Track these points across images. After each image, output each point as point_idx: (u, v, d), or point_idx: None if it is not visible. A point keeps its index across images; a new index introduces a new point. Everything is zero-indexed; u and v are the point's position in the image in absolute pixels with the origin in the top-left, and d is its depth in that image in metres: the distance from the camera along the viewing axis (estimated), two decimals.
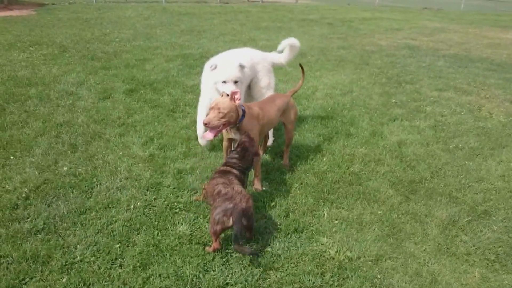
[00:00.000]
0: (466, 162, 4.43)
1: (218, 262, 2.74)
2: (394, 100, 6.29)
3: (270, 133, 4.44)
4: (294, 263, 2.80)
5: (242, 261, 2.77)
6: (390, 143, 4.74)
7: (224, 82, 3.70)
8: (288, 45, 4.54)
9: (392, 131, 5.07)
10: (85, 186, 3.43)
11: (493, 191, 3.91)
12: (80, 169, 3.68)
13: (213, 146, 4.31)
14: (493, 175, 4.20)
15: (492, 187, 3.96)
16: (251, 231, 2.93)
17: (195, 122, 4.90)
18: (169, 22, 12.33)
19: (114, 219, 3.07)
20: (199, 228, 3.05)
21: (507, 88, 7.55)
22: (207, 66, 3.93)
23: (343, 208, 3.47)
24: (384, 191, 3.74)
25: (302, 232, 3.12)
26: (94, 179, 3.55)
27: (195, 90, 6.05)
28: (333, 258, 2.87)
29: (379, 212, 3.44)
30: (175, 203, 3.32)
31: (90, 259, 2.67)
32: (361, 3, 26.69)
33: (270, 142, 4.46)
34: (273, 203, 3.41)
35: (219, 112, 3.13)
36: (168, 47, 8.87)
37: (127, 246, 2.82)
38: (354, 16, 17.56)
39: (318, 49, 9.81)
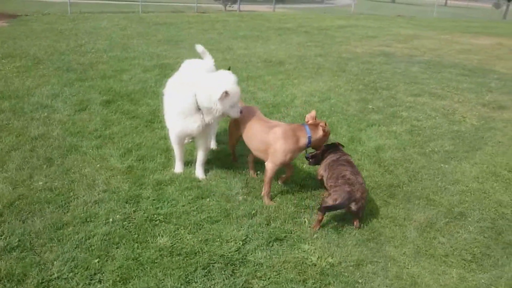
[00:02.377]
0: (442, 165, 4.53)
1: (200, 273, 2.71)
2: (371, 106, 6.39)
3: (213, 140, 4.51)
4: (277, 271, 2.80)
5: (224, 271, 2.75)
6: (368, 148, 4.80)
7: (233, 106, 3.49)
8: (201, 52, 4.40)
9: (370, 137, 5.15)
10: (61, 201, 3.35)
11: (468, 192, 4.00)
12: (56, 183, 3.60)
13: (193, 157, 4.29)
14: (468, 177, 4.31)
15: (467, 188, 4.06)
16: (358, 217, 3.30)
17: None
18: (146, 32, 12.25)
19: (92, 233, 3.00)
20: (180, 239, 3.02)
21: (478, 92, 7.78)
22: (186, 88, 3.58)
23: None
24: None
25: (284, 240, 3.12)
26: (71, 193, 3.47)
27: None
28: (315, 265, 2.88)
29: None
30: (155, 215, 3.28)
31: (67, 275, 2.61)
32: (337, 12, 27.16)
33: (214, 146, 4.53)
34: (254, 212, 3.41)
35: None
36: (145, 57, 8.80)
37: (106, 260, 2.76)
38: (330, 24, 17.84)
39: (295, 57, 9.90)
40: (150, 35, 11.70)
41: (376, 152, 4.71)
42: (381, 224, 3.40)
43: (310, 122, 3.49)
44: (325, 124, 3.43)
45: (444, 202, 3.78)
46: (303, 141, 3.42)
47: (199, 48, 4.38)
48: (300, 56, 10.08)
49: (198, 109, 3.53)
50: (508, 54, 13.09)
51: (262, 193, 3.61)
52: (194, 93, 3.47)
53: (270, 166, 3.47)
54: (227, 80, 3.39)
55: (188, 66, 4.14)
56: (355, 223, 3.31)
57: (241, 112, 3.58)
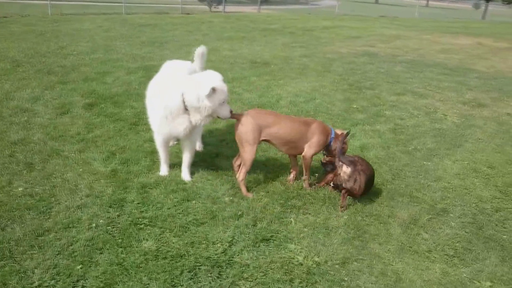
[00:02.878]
0: (425, 162, 4.59)
1: (186, 276, 2.69)
2: (355, 106, 6.45)
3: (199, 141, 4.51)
4: (263, 272, 2.80)
5: (210, 273, 2.74)
6: (353, 147, 4.84)
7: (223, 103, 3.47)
8: (198, 54, 4.38)
9: (354, 136, 5.19)
10: (42, 207, 3.29)
11: (450, 189, 4.07)
12: (37, 189, 3.54)
13: (178, 159, 4.27)
14: (450, 173, 4.38)
15: (449, 185, 4.12)
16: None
17: None
18: (130, 33, 12.16)
19: (75, 239, 2.96)
20: (165, 243, 3.00)
21: (459, 90, 7.92)
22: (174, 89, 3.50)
23: (310, 213, 3.51)
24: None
25: (270, 240, 3.12)
26: (53, 199, 3.42)
27: None
28: (301, 264, 2.89)
29: (345, 216, 3.49)
30: (140, 219, 3.25)
31: (49, 283, 2.56)
32: (321, 13, 27.34)
33: (199, 147, 4.55)
34: (240, 213, 3.40)
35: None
36: (129, 59, 8.73)
37: (90, 266, 2.72)
38: (315, 25, 17.95)
39: (281, 58, 9.94)
40: (134, 37, 11.62)
41: (361, 151, 4.75)
42: (366, 222, 3.43)
43: (337, 130, 3.90)
44: (346, 137, 3.80)
45: (427, 198, 3.83)
46: (328, 139, 3.83)
47: (201, 49, 4.29)
48: (285, 57, 10.12)
49: (186, 109, 3.49)
50: (487, 54, 13.35)
51: (303, 178, 3.94)
52: (181, 93, 3.43)
53: (308, 155, 3.79)
54: (214, 77, 3.41)
55: (170, 67, 4.11)
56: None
57: (231, 111, 3.56)
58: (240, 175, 3.72)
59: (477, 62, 11.58)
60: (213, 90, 3.33)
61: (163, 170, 4.00)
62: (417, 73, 9.31)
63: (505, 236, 3.38)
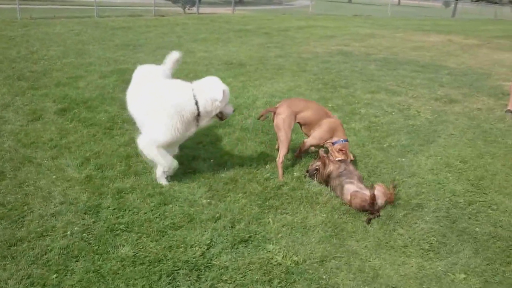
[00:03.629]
0: (399, 159, 4.68)
1: (164, 281, 2.67)
2: (331, 105, 6.52)
3: None
4: (242, 273, 2.80)
5: (189, 277, 2.72)
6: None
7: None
8: (172, 59, 4.40)
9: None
10: (15, 216, 3.21)
11: (424, 184, 4.16)
12: (8, 198, 3.44)
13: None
14: (423, 169, 4.48)
15: (423, 180, 4.21)
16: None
17: (133, 139, 4.78)
18: (103, 37, 11.96)
19: (49, 248, 2.89)
20: (142, 248, 2.97)
21: (431, 87, 8.11)
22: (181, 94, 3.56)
23: (287, 213, 3.53)
24: (326, 193, 3.85)
25: (248, 241, 3.13)
26: (25, 207, 3.33)
27: None
28: (280, 264, 2.90)
29: (323, 214, 3.53)
30: (116, 225, 3.20)
31: None
32: (296, 13, 27.52)
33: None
34: (218, 215, 3.39)
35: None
36: (102, 63, 8.59)
37: (65, 275, 2.67)
38: (290, 25, 18.05)
39: (256, 59, 9.95)
40: (107, 40, 11.43)
41: None
42: (343, 220, 3.47)
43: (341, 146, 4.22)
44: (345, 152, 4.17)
45: (402, 194, 3.91)
46: (331, 138, 4.25)
47: (174, 55, 4.21)
48: (261, 57, 10.14)
49: (198, 115, 3.59)
50: (458, 50, 13.71)
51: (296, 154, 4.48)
52: (194, 100, 3.51)
53: (307, 143, 4.36)
54: (218, 82, 3.62)
55: (144, 73, 4.06)
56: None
57: (234, 110, 3.97)
58: (280, 158, 4.11)
59: (448, 59, 11.87)
60: (223, 92, 3.54)
61: (164, 180, 3.88)
62: (391, 71, 9.48)
63: (477, 229, 3.48)
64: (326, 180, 3.93)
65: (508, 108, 6.78)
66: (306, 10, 28.71)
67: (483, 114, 6.65)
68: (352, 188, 3.64)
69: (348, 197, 3.60)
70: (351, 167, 3.96)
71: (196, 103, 3.51)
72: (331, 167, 3.93)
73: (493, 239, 3.35)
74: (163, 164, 3.73)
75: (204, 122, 3.69)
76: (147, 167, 4.10)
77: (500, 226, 3.55)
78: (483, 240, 3.34)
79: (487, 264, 3.05)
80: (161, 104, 3.55)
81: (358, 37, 15.40)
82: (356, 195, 3.55)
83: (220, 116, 3.78)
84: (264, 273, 2.80)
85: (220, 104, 3.57)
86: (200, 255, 2.92)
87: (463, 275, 2.92)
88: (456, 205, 3.83)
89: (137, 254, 2.89)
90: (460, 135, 5.60)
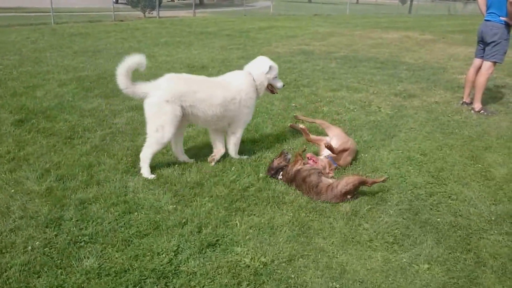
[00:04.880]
0: (362, 154, 4.78)
1: None
2: (294, 104, 6.59)
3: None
4: (211, 278, 2.79)
5: (156, 285, 2.68)
6: (293, 145, 4.94)
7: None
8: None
9: (294, 134, 5.30)
10: None
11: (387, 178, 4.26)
12: None
13: (117, 171, 4.14)
14: (386, 163, 4.60)
15: (386, 174, 4.31)
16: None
17: (96, 147, 4.68)
18: (60, 44, 11.62)
19: (9, 265, 2.78)
20: (108, 259, 2.90)
21: (391, 83, 8.34)
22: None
23: (254, 214, 3.54)
24: (292, 193, 3.89)
25: (216, 245, 3.12)
26: None
27: (94, 114, 5.78)
28: (249, 266, 2.90)
29: (290, 213, 3.56)
30: (79, 236, 3.12)
31: None
32: (257, 14, 27.66)
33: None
34: (184, 220, 3.36)
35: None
36: (60, 70, 8.34)
37: None
38: (251, 27, 18.13)
39: (219, 61, 9.93)
40: (65, 47, 11.12)
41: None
42: (310, 218, 3.51)
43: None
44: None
45: (366, 189, 3.99)
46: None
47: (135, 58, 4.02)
48: (223, 60, 10.13)
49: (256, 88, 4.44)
50: (415, 46, 14.16)
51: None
52: (251, 76, 4.38)
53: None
54: (266, 59, 4.50)
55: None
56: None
57: (283, 85, 4.71)
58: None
59: (406, 54, 12.24)
60: (270, 67, 4.39)
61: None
62: (351, 68, 9.68)
63: (439, 219, 3.59)
64: (291, 179, 3.98)
65: (464, 100, 7.07)
66: (267, 11, 28.92)
67: (441, 107, 6.90)
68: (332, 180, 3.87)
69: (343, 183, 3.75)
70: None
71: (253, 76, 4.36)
72: (301, 166, 3.99)
73: (453, 228, 3.47)
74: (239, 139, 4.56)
75: (261, 93, 4.49)
76: (110, 176, 4.02)
77: (460, 215, 3.68)
78: (444, 230, 3.45)
79: (449, 253, 3.16)
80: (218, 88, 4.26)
81: (319, 36, 15.64)
82: (349, 179, 3.76)
83: (271, 89, 4.57)
84: (232, 276, 2.80)
85: (269, 75, 4.41)
86: (168, 262, 2.88)
87: (426, 265, 3.01)
88: (418, 197, 3.95)
89: (102, 266, 2.82)
90: (420, 128, 5.78)
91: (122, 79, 3.90)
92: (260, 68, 4.39)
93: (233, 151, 4.54)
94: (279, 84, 4.56)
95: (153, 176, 4.06)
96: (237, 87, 4.27)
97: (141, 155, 4.11)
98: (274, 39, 14.31)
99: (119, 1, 27.38)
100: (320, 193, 3.75)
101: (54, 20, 16.67)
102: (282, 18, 24.53)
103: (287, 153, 4.26)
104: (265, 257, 2.99)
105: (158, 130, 3.97)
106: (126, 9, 23.08)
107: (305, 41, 14.18)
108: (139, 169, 4.11)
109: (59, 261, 2.85)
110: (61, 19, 17.41)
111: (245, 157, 4.58)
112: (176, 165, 4.31)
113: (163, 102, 3.92)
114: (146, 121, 4.05)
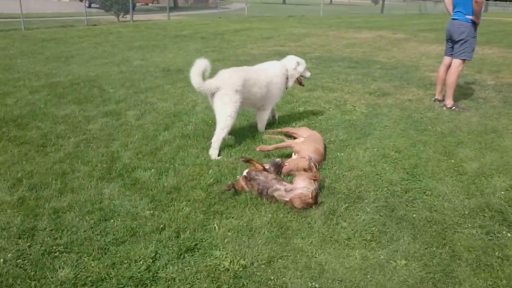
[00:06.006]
0: (338, 153, 4.83)
1: None
2: None
3: None
4: (190, 283, 2.76)
5: None
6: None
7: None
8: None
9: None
10: None
11: (363, 176, 4.32)
12: None
13: (92, 178, 4.07)
14: (362, 162, 4.65)
15: (362, 173, 4.38)
16: None
17: (69, 154, 4.59)
18: (31, 50, 11.35)
19: None
20: (83, 268, 2.84)
21: (365, 82, 8.46)
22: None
23: (233, 217, 3.52)
24: None
25: (195, 250, 3.09)
26: None
27: (67, 120, 5.66)
28: (228, 269, 2.89)
29: (268, 215, 3.56)
30: (54, 246, 3.04)
31: None
32: (232, 16, 27.66)
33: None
34: (162, 226, 3.32)
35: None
36: (32, 77, 8.14)
37: None
38: (226, 29, 18.11)
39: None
40: (36, 53, 10.87)
41: (278, 150, 4.86)
42: (288, 218, 3.52)
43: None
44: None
45: (343, 188, 4.04)
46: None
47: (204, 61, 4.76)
48: None
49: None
50: (388, 45, 14.43)
51: None
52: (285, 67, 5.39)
53: None
54: (295, 57, 5.54)
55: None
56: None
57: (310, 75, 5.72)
58: None
59: (379, 53, 12.46)
60: (298, 63, 5.40)
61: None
62: (326, 68, 9.78)
63: (414, 215, 3.65)
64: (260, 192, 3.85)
65: (436, 97, 7.23)
66: (242, 13, 28.95)
67: (414, 104, 7.04)
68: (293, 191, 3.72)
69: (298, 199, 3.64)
70: (265, 176, 3.87)
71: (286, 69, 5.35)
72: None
73: (429, 224, 3.54)
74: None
75: (290, 83, 5.46)
76: (84, 183, 3.95)
77: (435, 210, 3.75)
78: (420, 225, 3.51)
79: (425, 248, 3.21)
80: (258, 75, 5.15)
81: (294, 37, 15.75)
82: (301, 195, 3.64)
83: (299, 81, 5.56)
84: (212, 281, 2.78)
85: (299, 69, 5.41)
86: (145, 269, 2.84)
87: (404, 261, 3.06)
88: (394, 194, 4.02)
89: (78, 276, 2.76)
90: (394, 126, 5.88)
91: (196, 79, 4.61)
92: (291, 63, 5.41)
93: (262, 123, 5.45)
94: (307, 74, 5.56)
95: (220, 157, 4.62)
96: (273, 72, 5.25)
97: (214, 140, 4.66)
98: (249, 41, 14.33)
99: (92, 5, 26.95)
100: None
101: (25, 26, 16.26)
102: (257, 20, 24.60)
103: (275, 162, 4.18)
104: (244, 260, 2.98)
105: (232, 116, 4.67)
106: (99, 13, 22.73)
107: (280, 42, 14.26)
108: (114, 176, 4.03)
109: (32, 273, 2.77)
110: (32, 24, 17.01)
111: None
112: (153, 170, 4.26)
113: (234, 92, 4.64)
114: (216, 111, 4.74)
